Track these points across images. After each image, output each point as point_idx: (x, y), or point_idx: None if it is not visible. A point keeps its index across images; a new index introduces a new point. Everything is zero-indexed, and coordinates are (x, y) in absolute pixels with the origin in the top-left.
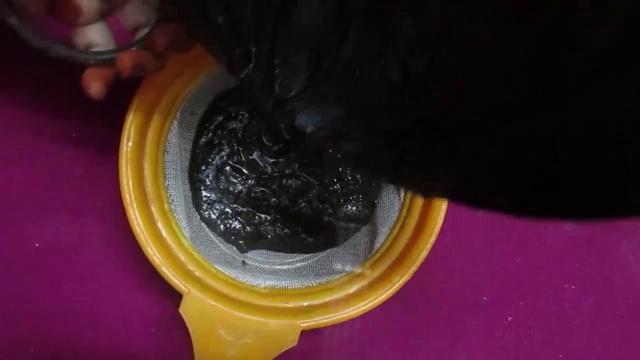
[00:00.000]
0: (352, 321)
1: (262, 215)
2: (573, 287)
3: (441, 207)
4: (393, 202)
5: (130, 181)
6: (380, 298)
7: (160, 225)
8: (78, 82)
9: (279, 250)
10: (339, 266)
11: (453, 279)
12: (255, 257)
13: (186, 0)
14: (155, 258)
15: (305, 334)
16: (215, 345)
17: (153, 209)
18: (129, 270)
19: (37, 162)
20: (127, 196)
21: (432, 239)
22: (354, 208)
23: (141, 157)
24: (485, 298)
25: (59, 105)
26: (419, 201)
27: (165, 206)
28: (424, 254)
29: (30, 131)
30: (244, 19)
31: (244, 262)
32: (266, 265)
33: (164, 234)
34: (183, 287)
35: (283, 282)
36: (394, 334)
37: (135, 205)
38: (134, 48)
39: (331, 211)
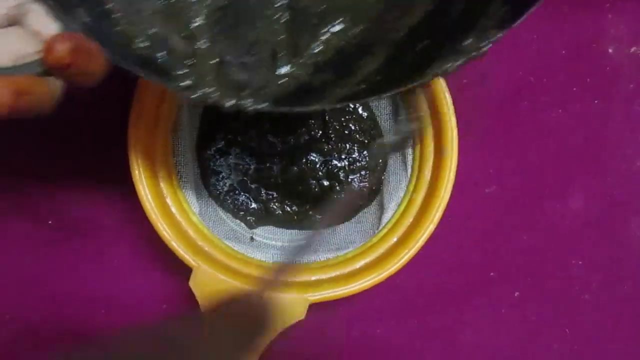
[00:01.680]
0: (359, 296)
1: (271, 192)
2: (580, 263)
3: (448, 182)
4: (400, 178)
5: (139, 158)
6: (387, 272)
7: (169, 201)
8: None
9: (287, 227)
10: (346, 241)
11: (460, 255)
12: (264, 233)
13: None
14: (165, 233)
15: (313, 309)
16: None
17: (162, 185)
18: (140, 249)
19: (47, 141)
20: (136, 172)
21: (439, 214)
22: (362, 184)
23: (150, 134)
24: (492, 274)
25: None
26: (426, 177)
27: (175, 183)
28: (430, 229)
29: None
30: None
31: (252, 238)
32: (274, 242)
33: (174, 210)
34: (192, 262)
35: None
36: (401, 310)
37: (144, 182)
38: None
39: (339, 188)
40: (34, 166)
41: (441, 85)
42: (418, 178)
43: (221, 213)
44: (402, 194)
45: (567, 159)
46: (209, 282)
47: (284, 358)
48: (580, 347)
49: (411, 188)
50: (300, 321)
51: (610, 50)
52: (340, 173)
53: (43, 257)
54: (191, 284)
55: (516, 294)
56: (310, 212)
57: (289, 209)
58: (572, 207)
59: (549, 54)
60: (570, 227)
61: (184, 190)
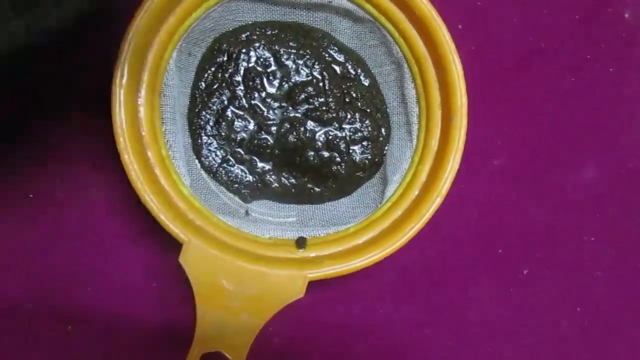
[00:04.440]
0: (360, 273)
1: (267, 164)
2: (593, 239)
3: (457, 152)
4: (405, 149)
5: (124, 123)
6: (391, 248)
7: (157, 172)
8: None
9: (284, 201)
10: (347, 216)
11: (466, 231)
12: (259, 208)
13: None
14: (152, 205)
15: (313, 287)
16: (218, 296)
17: (150, 154)
18: (128, 224)
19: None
20: (122, 139)
21: (447, 186)
22: (364, 156)
23: (135, 98)
24: (500, 251)
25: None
26: (432, 148)
27: (163, 152)
28: (436, 203)
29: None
30: None
31: (247, 213)
32: (271, 217)
33: (162, 181)
34: (183, 236)
35: (289, 232)
36: (404, 287)
37: (130, 150)
38: None
39: (339, 160)
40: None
41: (450, 50)
42: (424, 148)
43: (213, 186)
44: (406, 166)
45: (579, 129)
46: (200, 258)
47: (283, 338)
48: (591, 326)
49: (416, 159)
50: (299, 299)
51: (626, 15)
52: (340, 143)
53: (24, 232)
54: (181, 259)
55: (525, 271)
56: (309, 185)
57: (286, 181)
58: (584, 179)
59: (561, 18)
60: (582, 200)
61: (173, 161)
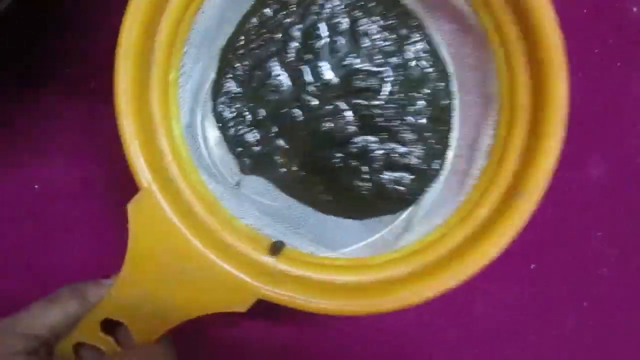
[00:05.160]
0: None
1: (284, 142)
2: (599, 234)
3: (503, 240)
4: (447, 201)
5: (136, 21)
6: (371, 309)
7: (153, 89)
8: None
9: (285, 191)
10: (344, 242)
11: None
12: (255, 185)
13: None
14: (127, 126)
15: None
16: (151, 266)
17: (154, 70)
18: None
19: None
20: (127, 36)
21: (473, 271)
22: (395, 187)
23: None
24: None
25: None
26: (480, 217)
27: (172, 75)
28: (451, 285)
29: None
30: None
31: (237, 184)
32: (263, 200)
33: (153, 105)
34: (144, 180)
35: (269, 229)
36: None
37: (132, 52)
38: None
39: (366, 176)
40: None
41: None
42: (470, 213)
43: (213, 138)
44: (439, 222)
45: (586, 125)
46: (151, 214)
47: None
48: (598, 322)
49: (452, 222)
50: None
51: (634, 9)
52: (377, 159)
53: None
54: (130, 206)
55: (532, 266)
56: (319, 186)
57: (296, 173)
58: (590, 176)
59: (568, 12)
60: (587, 196)
61: (179, 88)
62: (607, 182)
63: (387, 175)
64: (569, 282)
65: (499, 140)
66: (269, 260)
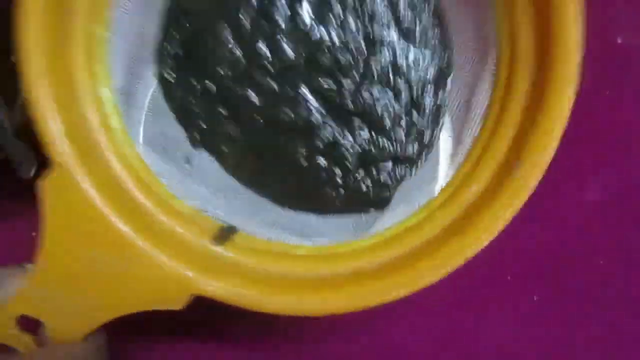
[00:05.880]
0: None
1: (234, 127)
2: (601, 262)
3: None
4: (421, 191)
5: None
6: (330, 309)
7: (73, 45)
8: None
9: (234, 173)
10: (307, 228)
11: (474, 258)
12: (207, 164)
13: None
14: (35, 86)
15: None
16: (70, 257)
17: (74, 16)
18: None
19: None
20: None
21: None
22: (371, 182)
23: None
24: (509, 277)
25: None
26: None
27: (99, 30)
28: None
29: None
30: None
31: (188, 160)
32: (216, 177)
33: (74, 63)
34: (58, 152)
35: (220, 211)
36: (415, 315)
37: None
38: None
39: (340, 180)
40: None
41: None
42: (450, 198)
43: (156, 107)
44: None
45: (580, 151)
46: (69, 195)
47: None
48: (606, 347)
49: (439, 202)
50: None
51: (619, 40)
52: (348, 157)
53: None
54: (41, 184)
55: (535, 298)
56: (277, 176)
57: (252, 152)
58: (583, 199)
59: None
60: (584, 221)
61: (109, 48)
62: (606, 205)
63: (359, 177)
64: (574, 311)
65: (496, 93)
66: (214, 248)
